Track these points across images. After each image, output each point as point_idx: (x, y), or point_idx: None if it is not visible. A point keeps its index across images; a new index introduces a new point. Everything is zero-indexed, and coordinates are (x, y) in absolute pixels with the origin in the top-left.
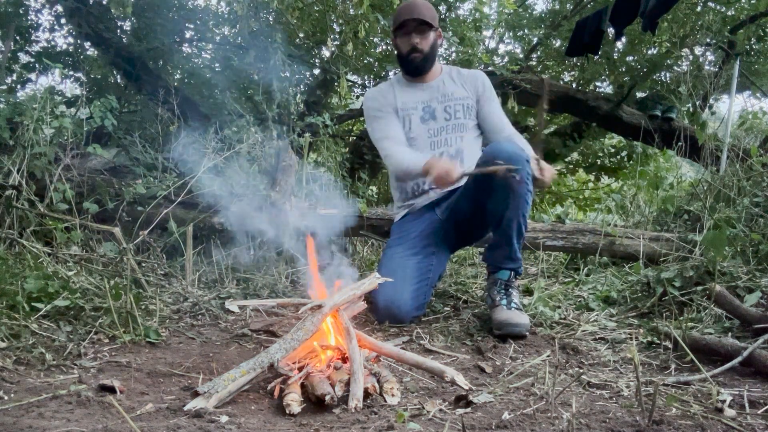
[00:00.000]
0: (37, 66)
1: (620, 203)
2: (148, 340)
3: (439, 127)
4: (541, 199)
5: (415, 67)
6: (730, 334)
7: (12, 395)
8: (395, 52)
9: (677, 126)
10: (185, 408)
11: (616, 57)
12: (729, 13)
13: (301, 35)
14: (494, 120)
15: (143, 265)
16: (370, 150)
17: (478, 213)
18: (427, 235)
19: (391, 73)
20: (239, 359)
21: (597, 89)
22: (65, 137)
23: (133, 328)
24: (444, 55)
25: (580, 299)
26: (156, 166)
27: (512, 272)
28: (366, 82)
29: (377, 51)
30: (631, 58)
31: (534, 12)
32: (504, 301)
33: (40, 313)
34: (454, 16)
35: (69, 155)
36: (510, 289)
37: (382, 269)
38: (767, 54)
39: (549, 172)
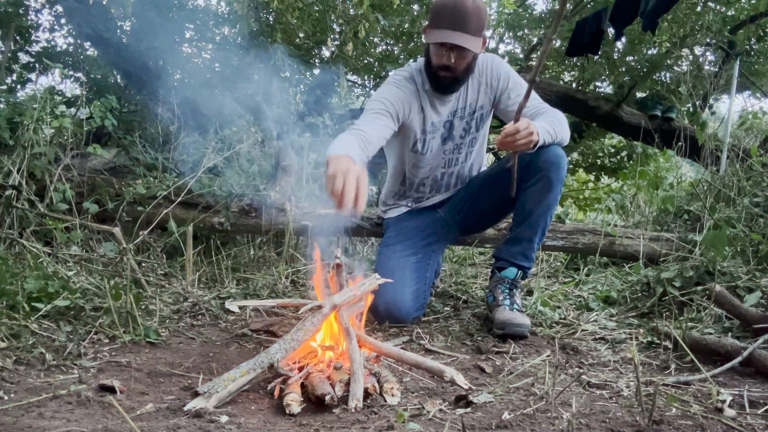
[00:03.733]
0: (37, 66)
1: (620, 203)
2: (148, 340)
3: (455, 145)
4: None
5: (442, 87)
6: (730, 334)
7: (12, 395)
8: (424, 51)
9: (677, 126)
10: (185, 408)
11: (616, 57)
12: (729, 13)
13: (301, 35)
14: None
15: (143, 265)
16: None
17: (497, 207)
18: (427, 234)
19: (414, 66)
20: (239, 359)
21: (597, 89)
22: (65, 137)
23: (133, 328)
24: None
25: (580, 299)
26: (156, 166)
27: (520, 271)
28: (366, 82)
29: (377, 51)
30: (631, 58)
31: (534, 12)
32: (507, 302)
33: (40, 313)
34: None
35: (69, 155)
36: (514, 290)
37: (381, 269)
38: (767, 54)
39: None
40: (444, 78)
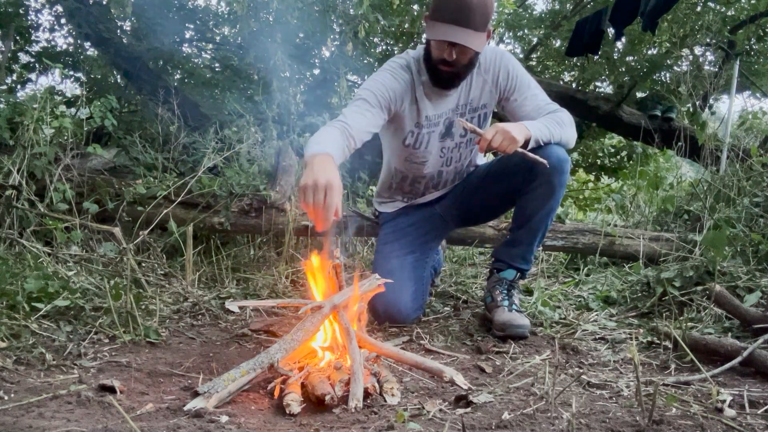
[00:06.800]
0: (37, 66)
1: (620, 203)
2: (148, 340)
3: (455, 144)
4: None
5: (441, 81)
6: (730, 334)
7: (12, 395)
8: (424, 41)
9: (677, 126)
10: (185, 408)
11: (616, 57)
12: (729, 13)
13: (301, 35)
14: (527, 111)
15: (143, 265)
16: (370, 150)
17: (499, 203)
18: (424, 232)
19: (412, 54)
20: (239, 359)
21: (597, 89)
22: (65, 137)
23: (133, 328)
24: None
25: (580, 299)
26: (156, 166)
27: (518, 273)
28: None
29: (377, 51)
30: (631, 58)
31: (534, 12)
32: (506, 302)
33: (40, 313)
34: None
35: (69, 155)
36: (512, 291)
37: (379, 270)
38: (767, 54)
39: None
40: (444, 72)
